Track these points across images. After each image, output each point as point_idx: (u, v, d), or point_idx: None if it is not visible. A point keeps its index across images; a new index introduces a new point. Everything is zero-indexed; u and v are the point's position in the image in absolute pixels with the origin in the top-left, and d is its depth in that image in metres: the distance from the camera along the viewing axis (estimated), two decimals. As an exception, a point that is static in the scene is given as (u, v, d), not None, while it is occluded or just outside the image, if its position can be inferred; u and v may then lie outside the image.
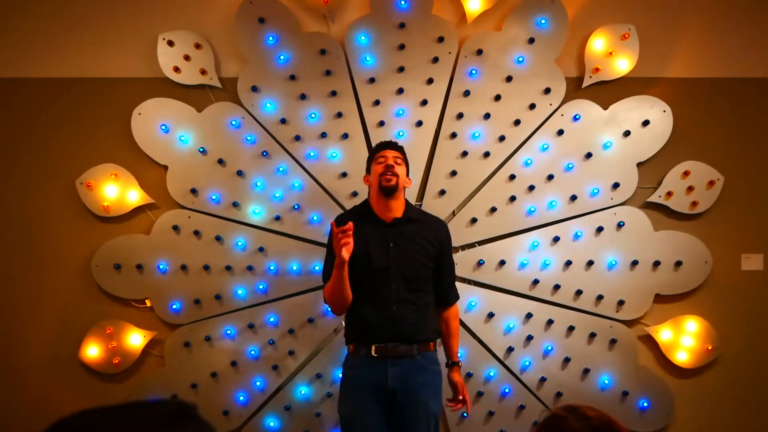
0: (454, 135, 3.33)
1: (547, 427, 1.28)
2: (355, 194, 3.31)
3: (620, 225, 3.32)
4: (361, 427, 2.67)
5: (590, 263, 3.32)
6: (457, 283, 2.99)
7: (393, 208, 2.78)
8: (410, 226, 2.79)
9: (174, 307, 3.29)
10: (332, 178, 3.33)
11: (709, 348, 3.33)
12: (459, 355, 2.92)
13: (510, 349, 3.31)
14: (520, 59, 3.32)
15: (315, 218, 3.31)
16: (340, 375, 2.86)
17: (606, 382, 3.30)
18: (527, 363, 3.30)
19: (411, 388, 2.67)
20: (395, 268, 2.71)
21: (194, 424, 0.86)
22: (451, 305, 2.92)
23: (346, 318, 2.83)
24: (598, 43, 3.33)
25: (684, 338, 3.32)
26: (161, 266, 3.29)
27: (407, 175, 2.84)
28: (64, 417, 0.82)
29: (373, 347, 2.69)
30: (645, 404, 3.31)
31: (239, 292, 3.30)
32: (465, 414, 3.17)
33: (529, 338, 3.30)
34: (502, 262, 3.32)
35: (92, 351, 3.28)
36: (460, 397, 2.83)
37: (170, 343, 3.29)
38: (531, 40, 3.32)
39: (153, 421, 0.82)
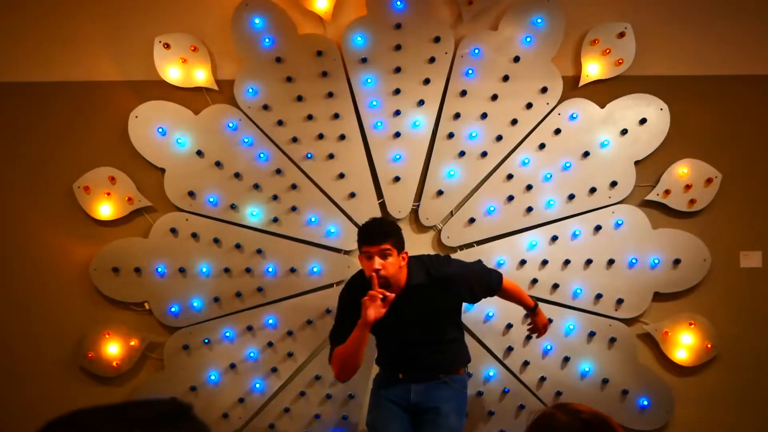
0: (451, 135, 3.32)
1: (536, 426, 1.27)
2: (352, 195, 3.31)
3: (618, 223, 3.31)
4: None
5: (589, 262, 3.31)
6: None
7: (396, 285, 2.64)
8: (419, 290, 2.67)
9: (172, 310, 3.29)
10: (329, 179, 3.33)
11: (709, 346, 3.32)
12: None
13: (509, 349, 3.30)
14: (517, 58, 3.32)
15: (313, 220, 3.31)
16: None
17: (605, 380, 3.30)
18: (527, 362, 3.30)
19: (433, 401, 2.72)
20: (412, 328, 2.71)
21: (190, 423, 0.85)
22: (499, 288, 2.85)
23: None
24: (594, 42, 3.33)
25: (683, 336, 3.31)
26: (159, 269, 3.28)
27: (402, 251, 2.64)
28: (58, 416, 0.81)
29: (399, 373, 2.79)
30: (645, 402, 3.30)
31: (238, 294, 3.30)
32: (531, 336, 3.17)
33: (528, 338, 3.29)
34: (501, 262, 3.31)
35: (91, 355, 3.28)
36: (531, 326, 2.96)
37: (169, 346, 3.29)
38: (527, 40, 3.32)
39: (148, 421, 0.82)
